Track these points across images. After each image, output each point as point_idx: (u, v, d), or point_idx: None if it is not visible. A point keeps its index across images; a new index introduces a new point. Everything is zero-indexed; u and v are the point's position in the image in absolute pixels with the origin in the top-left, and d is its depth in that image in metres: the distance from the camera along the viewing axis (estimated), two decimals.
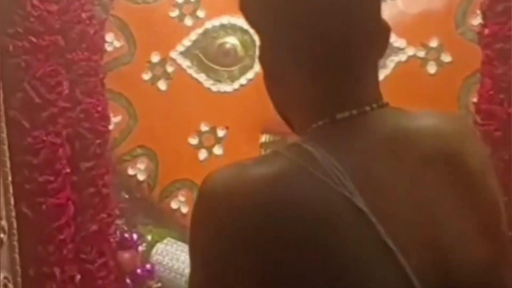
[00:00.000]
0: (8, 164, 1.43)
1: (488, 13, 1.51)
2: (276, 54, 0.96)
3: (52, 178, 1.55)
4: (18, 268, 1.46)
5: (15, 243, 1.45)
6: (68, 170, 1.59)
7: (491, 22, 1.50)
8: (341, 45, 0.92)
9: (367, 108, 0.93)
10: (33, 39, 1.49)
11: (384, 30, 0.95)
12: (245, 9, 1.01)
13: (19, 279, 1.47)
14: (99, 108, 1.65)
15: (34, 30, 1.50)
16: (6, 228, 1.40)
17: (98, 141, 1.65)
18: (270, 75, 1.00)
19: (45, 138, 1.53)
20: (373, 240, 0.86)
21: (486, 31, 1.51)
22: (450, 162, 0.94)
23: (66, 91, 1.56)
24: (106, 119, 1.69)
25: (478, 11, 1.68)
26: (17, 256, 1.46)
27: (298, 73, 0.95)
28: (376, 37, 0.94)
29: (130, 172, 1.87)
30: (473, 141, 1.00)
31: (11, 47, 1.47)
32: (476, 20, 1.70)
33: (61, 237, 1.58)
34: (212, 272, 0.95)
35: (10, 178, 1.43)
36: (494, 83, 1.53)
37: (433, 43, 1.77)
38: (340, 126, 0.92)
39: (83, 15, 1.59)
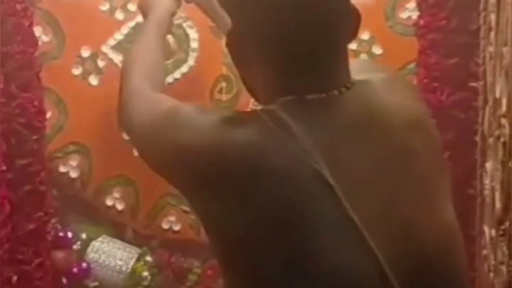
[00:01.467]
0: None
1: (423, 5, 1.58)
2: (244, 37, 0.98)
3: None
4: None
5: None
6: (4, 167, 1.54)
7: (425, 14, 1.57)
8: (308, 30, 0.95)
9: (336, 92, 0.96)
10: None
11: (353, 15, 0.98)
12: None
13: None
14: (35, 103, 1.60)
15: None
16: None
17: (34, 137, 1.61)
18: (237, 58, 1.01)
19: None
20: (339, 215, 0.89)
21: (421, 22, 1.57)
22: (418, 133, 0.98)
23: (1, 85, 1.51)
24: (42, 114, 1.64)
25: (407, 5, 1.75)
26: None
27: (264, 57, 0.97)
28: (345, 22, 0.97)
29: (62, 169, 1.82)
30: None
31: None
32: (405, 14, 1.76)
33: None
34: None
35: None
36: (428, 72, 1.59)
37: (365, 36, 1.81)
38: (308, 105, 0.95)
39: (18, 6, 1.54)
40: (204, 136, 0.93)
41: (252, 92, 1.03)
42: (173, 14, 1.51)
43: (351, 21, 0.98)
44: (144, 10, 1.50)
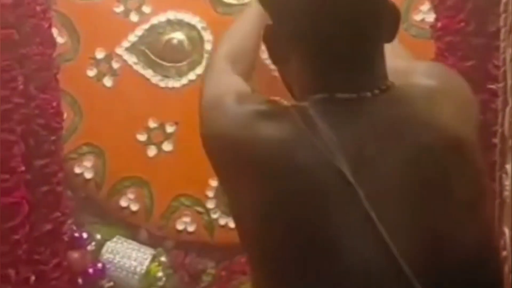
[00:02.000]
0: None
1: (440, 7, 1.58)
2: (280, 33, 0.99)
3: (7, 176, 1.51)
4: None
5: None
6: (23, 168, 1.54)
7: (442, 16, 1.57)
8: (344, 29, 0.95)
9: (368, 94, 0.96)
10: None
11: (392, 14, 0.97)
12: None
13: None
14: (54, 104, 1.61)
15: None
16: None
17: (52, 138, 1.61)
18: (273, 53, 1.02)
19: None
20: (358, 214, 0.89)
21: (439, 24, 1.58)
22: (452, 154, 0.96)
23: (21, 86, 1.52)
24: (60, 115, 1.65)
25: (421, 8, 1.76)
26: None
27: (299, 54, 0.97)
28: (383, 21, 0.97)
29: (77, 170, 1.83)
30: (472, 122, 1.03)
31: None
32: (419, 16, 1.77)
33: (16, 237, 1.54)
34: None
35: None
36: None
37: None
38: (338, 105, 0.95)
39: (37, 8, 1.55)
40: (236, 129, 0.96)
41: (289, 87, 1.04)
42: None
43: (389, 21, 0.97)
44: None
